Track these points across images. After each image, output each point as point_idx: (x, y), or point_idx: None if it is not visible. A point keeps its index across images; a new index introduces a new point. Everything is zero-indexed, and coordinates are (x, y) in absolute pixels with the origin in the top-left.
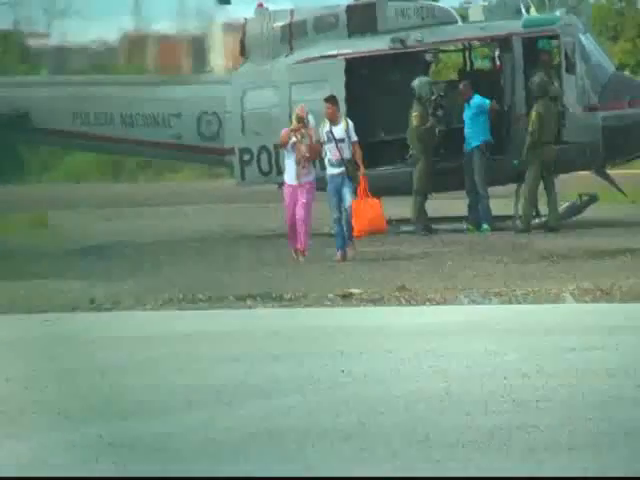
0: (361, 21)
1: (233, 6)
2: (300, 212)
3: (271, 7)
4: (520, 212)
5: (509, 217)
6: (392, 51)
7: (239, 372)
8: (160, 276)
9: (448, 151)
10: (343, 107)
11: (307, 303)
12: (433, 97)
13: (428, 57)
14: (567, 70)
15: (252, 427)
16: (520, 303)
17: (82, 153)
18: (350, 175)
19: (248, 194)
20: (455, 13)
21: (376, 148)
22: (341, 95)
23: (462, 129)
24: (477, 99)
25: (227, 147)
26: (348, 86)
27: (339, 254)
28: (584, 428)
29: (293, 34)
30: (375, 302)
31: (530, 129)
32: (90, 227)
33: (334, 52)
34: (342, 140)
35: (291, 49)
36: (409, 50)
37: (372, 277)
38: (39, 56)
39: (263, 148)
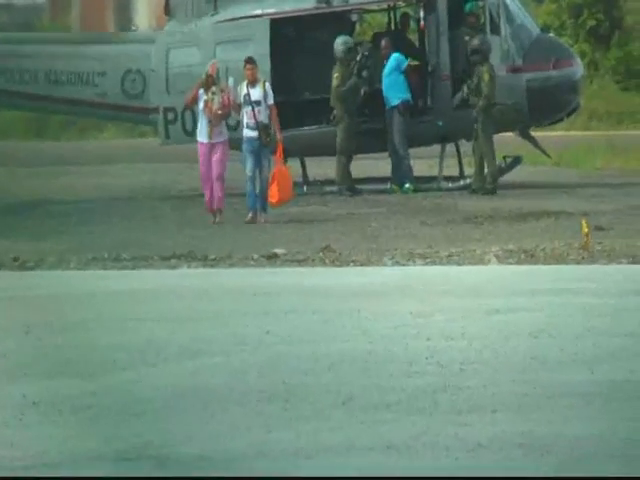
0: None
1: None
2: (216, 171)
3: None
4: (443, 174)
5: (434, 178)
6: (317, 11)
7: (164, 332)
8: (84, 235)
9: (372, 112)
10: (268, 66)
11: (231, 263)
12: (358, 57)
13: (353, 17)
14: (492, 31)
15: (177, 386)
16: (444, 264)
17: (5, 111)
18: (263, 140)
19: (172, 153)
20: None
21: (301, 108)
22: (266, 55)
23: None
24: (395, 57)
25: (151, 106)
26: (273, 46)
27: (250, 215)
28: (508, 390)
29: None
30: (300, 263)
31: (486, 91)
32: (13, 185)
33: (259, 12)
34: (258, 103)
35: (216, 8)
36: (334, 10)
37: (297, 238)
38: None
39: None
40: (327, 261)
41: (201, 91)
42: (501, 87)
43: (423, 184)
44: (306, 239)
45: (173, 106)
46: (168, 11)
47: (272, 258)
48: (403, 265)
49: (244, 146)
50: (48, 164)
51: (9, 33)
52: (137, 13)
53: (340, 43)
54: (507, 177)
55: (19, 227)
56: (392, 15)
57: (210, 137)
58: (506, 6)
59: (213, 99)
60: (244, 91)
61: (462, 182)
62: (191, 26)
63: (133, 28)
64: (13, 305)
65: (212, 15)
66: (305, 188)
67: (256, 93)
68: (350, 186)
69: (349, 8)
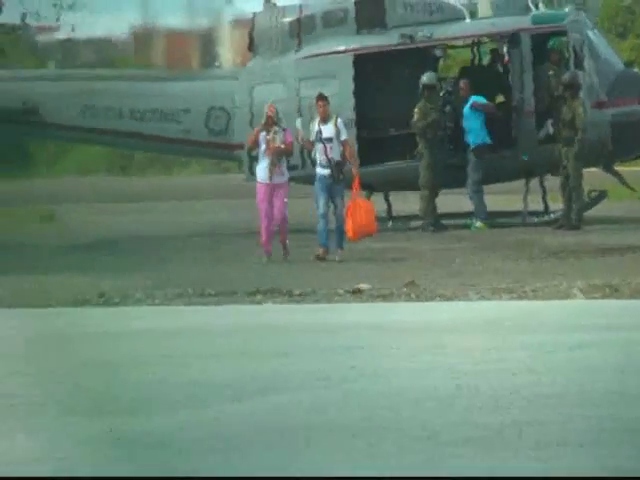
0: (370, 16)
1: (242, 1)
2: (278, 213)
3: (279, 2)
4: (528, 208)
5: (518, 213)
6: (400, 47)
7: (248, 367)
8: (169, 271)
9: (456, 147)
10: (352, 102)
11: (316, 299)
12: (441, 93)
13: (436, 53)
14: (576, 66)
15: (260, 423)
16: (529, 299)
17: (91, 147)
18: (335, 178)
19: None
20: (464, 9)
21: (385, 143)
22: (349, 90)
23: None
24: (473, 99)
25: (236, 142)
26: (357, 82)
27: (321, 250)
28: (594, 425)
29: (302, 29)
30: (384, 298)
31: (580, 125)
32: (98, 221)
33: (342, 47)
34: (330, 140)
35: (299, 44)
36: (417, 46)
37: (381, 273)
38: (47, 50)
39: None
40: (412, 296)
41: (263, 133)
42: (586, 122)
43: (507, 219)
44: (391, 274)
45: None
46: (252, 47)
47: (357, 293)
48: (488, 300)
49: (316, 184)
50: (133, 200)
51: (93, 70)
52: (221, 50)
53: (424, 79)
54: (592, 212)
55: (104, 263)
56: (476, 51)
57: (271, 178)
58: (590, 41)
59: (275, 138)
60: (316, 128)
61: (547, 217)
62: (275, 62)
63: (217, 65)
64: (98, 341)
65: (296, 51)
66: (389, 223)
67: (328, 130)
68: (434, 221)
69: (433, 44)
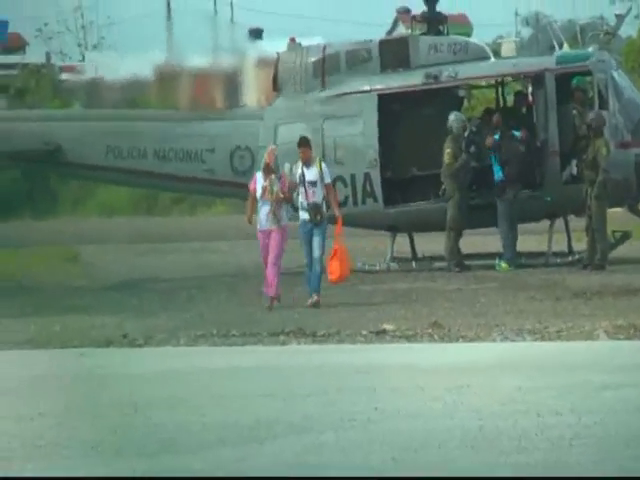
0: (394, 56)
1: (266, 41)
2: (271, 255)
3: (304, 42)
4: (552, 249)
5: (542, 254)
6: (425, 86)
7: (272, 409)
8: (193, 311)
9: (481, 187)
10: (375, 142)
11: (340, 339)
12: (466, 133)
13: (461, 93)
14: (600, 106)
15: (285, 464)
16: (553, 340)
17: (115, 187)
18: (313, 221)
19: None
20: (488, 49)
21: (408, 183)
22: (373, 130)
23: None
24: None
25: None
26: (381, 121)
27: (314, 298)
28: (618, 467)
29: (326, 69)
30: (408, 338)
31: (604, 165)
32: (123, 262)
33: (367, 87)
34: (313, 183)
35: (324, 84)
36: (442, 85)
37: (405, 314)
38: (72, 90)
39: None
40: (436, 337)
41: (259, 176)
42: (610, 162)
43: (532, 260)
44: (415, 315)
45: None
46: (276, 87)
47: (381, 334)
48: (512, 341)
49: (299, 230)
50: (157, 241)
51: (117, 110)
52: (245, 89)
53: (453, 119)
54: (616, 252)
55: (128, 304)
56: (500, 90)
57: (266, 224)
58: (614, 81)
59: (272, 186)
60: (299, 171)
61: (571, 257)
62: (299, 102)
63: (241, 104)
64: (122, 382)
65: (320, 91)
66: (414, 264)
67: (311, 173)
68: (459, 262)
69: (457, 84)
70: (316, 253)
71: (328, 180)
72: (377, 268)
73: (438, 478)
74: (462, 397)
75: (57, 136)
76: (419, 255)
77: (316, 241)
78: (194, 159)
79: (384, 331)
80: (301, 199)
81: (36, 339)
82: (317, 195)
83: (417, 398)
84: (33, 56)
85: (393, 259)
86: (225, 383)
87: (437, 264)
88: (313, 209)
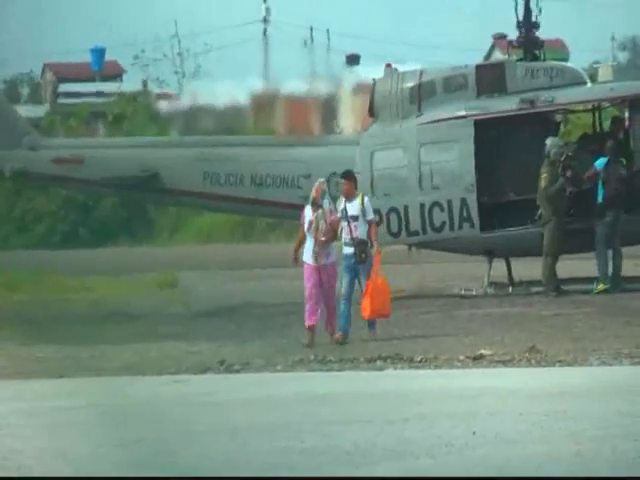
0: (490, 81)
1: (362, 67)
2: (329, 295)
3: (400, 68)
4: None
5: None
6: (521, 112)
7: (370, 434)
8: (290, 337)
9: (578, 212)
10: (472, 167)
11: (437, 364)
12: (562, 158)
13: (557, 118)
14: None
15: None
16: None
17: (212, 214)
18: (357, 259)
19: None
20: (584, 73)
21: (506, 209)
22: (470, 155)
23: (590, 190)
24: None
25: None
26: (477, 147)
27: (338, 335)
28: None
29: (422, 94)
30: (505, 363)
31: None
32: (220, 288)
33: (463, 113)
34: (355, 218)
35: (420, 109)
36: (538, 110)
37: (502, 338)
38: (169, 117)
39: (392, 209)
40: (533, 361)
41: (307, 209)
42: None
43: (631, 284)
44: (512, 340)
45: (378, 208)
46: (372, 113)
47: (478, 359)
48: (610, 365)
49: (343, 264)
50: (254, 266)
51: (214, 137)
52: (341, 115)
53: (551, 144)
54: None
55: (225, 330)
56: (597, 115)
57: (316, 260)
58: None
59: (318, 224)
60: (342, 206)
61: None
62: (395, 128)
63: (337, 130)
64: (219, 409)
65: (416, 117)
66: (510, 289)
67: (353, 208)
68: (556, 286)
69: (553, 108)
70: (350, 290)
71: (371, 216)
72: (474, 293)
73: (438, 478)
74: (559, 422)
75: (154, 163)
76: (516, 280)
77: (362, 279)
78: (290, 185)
79: (481, 356)
80: (344, 234)
81: (132, 366)
82: (359, 230)
83: (514, 423)
84: (130, 83)
85: (490, 284)
86: (323, 408)
87: (534, 289)
88: (359, 245)
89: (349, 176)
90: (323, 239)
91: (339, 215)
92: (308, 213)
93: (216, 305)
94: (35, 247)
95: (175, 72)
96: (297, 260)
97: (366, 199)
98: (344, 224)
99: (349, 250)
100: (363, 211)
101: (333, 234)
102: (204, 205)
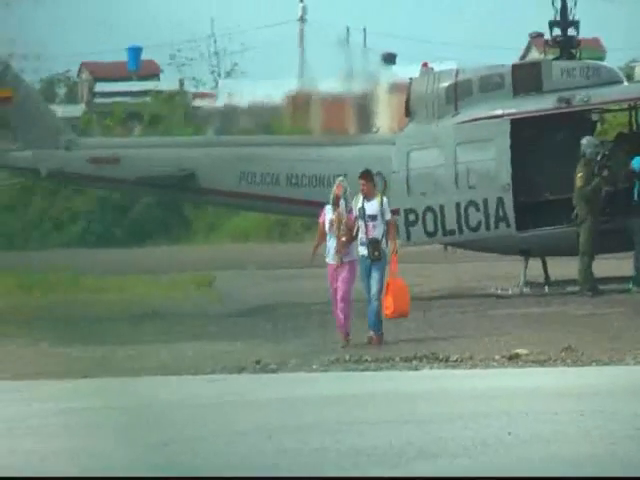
0: (526, 81)
1: (398, 66)
2: (340, 291)
3: (436, 67)
4: None
5: None
6: (558, 111)
7: (405, 433)
8: (326, 337)
9: (614, 211)
10: (508, 167)
11: (473, 364)
12: (598, 157)
13: (593, 117)
14: None
15: None
16: None
17: (248, 213)
18: (371, 258)
19: (413, 254)
20: (620, 73)
21: (542, 208)
22: (506, 155)
23: (626, 189)
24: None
25: (392, 207)
26: (513, 146)
27: (371, 335)
28: None
29: (458, 94)
30: (541, 363)
31: None
32: (256, 288)
33: (499, 112)
34: (374, 218)
35: (456, 109)
36: (575, 110)
37: (538, 338)
38: (205, 116)
39: (428, 208)
40: (569, 361)
41: (328, 208)
42: None
43: None
44: (547, 339)
45: (414, 207)
46: (409, 112)
47: (514, 359)
48: None
49: (359, 267)
50: (290, 266)
51: (250, 136)
52: (377, 115)
53: (586, 144)
54: None
55: (260, 330)
56: (633, 114)
57: (336, 259)
58: None
59: (340, 223)
60: (359, 204)
61: None
62: (432, 127)
63: (374, 130)
64: (255, 408)
65: (453, 116)
66: (546, 288)
67: (372, 207)
68: (592, 286)
69: (589, 107)
70: (373, 289)
71: (389, 216)
72: (510, 293)
73: (438, 478)
74: (595, 421)
75: (191, 162)
76: (552, 279)
77: (374, 277)
78: (326, 185)
79: (517, 355)
80: (361, 234)
81: (168, 365)
82: (377, 230)
83: (550, 423)
84: (166, 83)
85: (526, 283)
86: (359, 408)
87: (570, 288)
88: (371, 244)
89: (368, 176)
90: (344, 239)
91: (357, 214)
92: (329, 212)
93: (252, 305)
94: (72, 246)
95: (211, 72)
96: (315, 257)
97: (385, 199)
98: (361, 223)
99: (364, 250)
100: (382, 211)
101: (351, 236)
102: (240, 205)
